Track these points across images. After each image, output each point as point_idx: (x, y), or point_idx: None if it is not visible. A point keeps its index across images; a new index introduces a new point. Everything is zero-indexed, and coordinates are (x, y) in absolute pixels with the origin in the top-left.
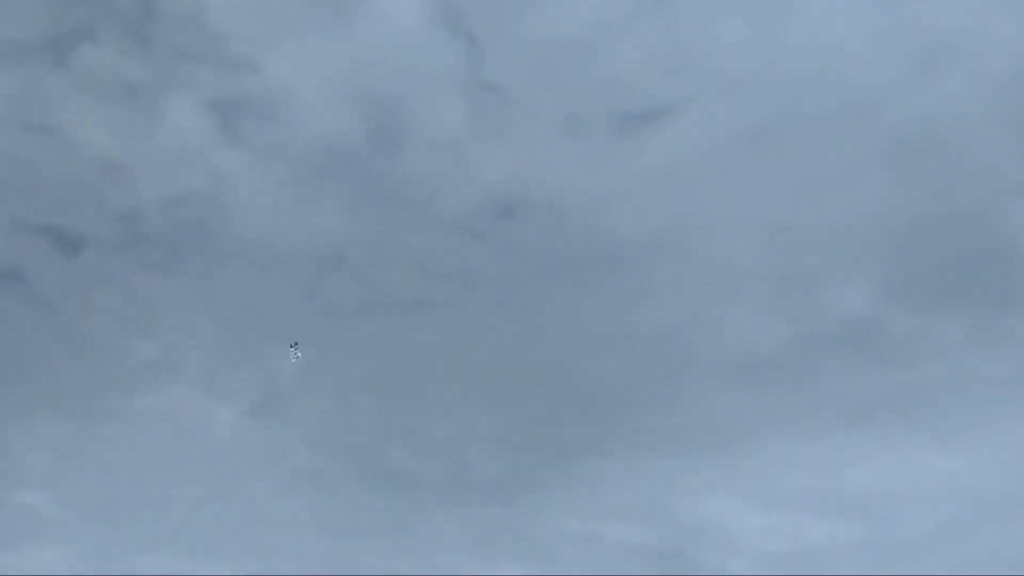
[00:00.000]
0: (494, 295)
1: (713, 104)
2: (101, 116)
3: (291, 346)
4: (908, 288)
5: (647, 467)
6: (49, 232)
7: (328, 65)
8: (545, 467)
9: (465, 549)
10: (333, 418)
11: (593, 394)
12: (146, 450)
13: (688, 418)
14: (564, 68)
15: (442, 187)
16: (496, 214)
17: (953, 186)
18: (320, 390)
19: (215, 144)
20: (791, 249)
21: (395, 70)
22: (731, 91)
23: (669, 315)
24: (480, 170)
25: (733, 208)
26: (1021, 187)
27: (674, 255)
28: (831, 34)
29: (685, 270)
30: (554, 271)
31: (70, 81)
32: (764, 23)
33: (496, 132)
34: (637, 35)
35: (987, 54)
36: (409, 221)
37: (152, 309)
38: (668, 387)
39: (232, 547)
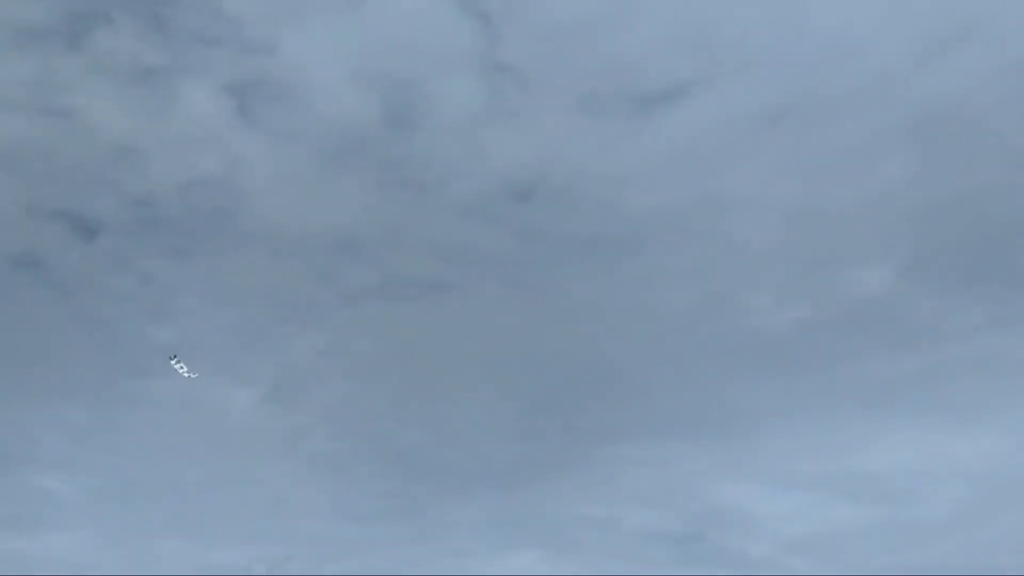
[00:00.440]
0: (510, 277)
1: (730, 84)
2: (117, 100)
3: (171, 358)
4: (927, 268)
5: (665, 451)
6: (65, 217)
7: (343, 47)
8: (562, 452)
9: (481, 533)
10: (350, 402)
11: (610, 377)
12: (163, 434)
13: (706, 401)
14: (580, 48)
15: (458, 169)
16: (512, 196)
17: (971, 165)
18: (337, 374)
19: (231, 128)
20: (809, 229)
21: (410, 52)
22: (748, 71)
23: (686, 297)
24: (496, 152)
25: (751, 188)
26: None
27: (691, 236)
28: (848, 14)
29: (702, 251)
30: (570, 253)
31: (86, 65)
32: (781, 3)
33: (512, 114)
34: (654, 15)
35: (1003, 33)
36: (425, 204)
37: (168, 294)
38: (686, 370)
39: (249, 530)
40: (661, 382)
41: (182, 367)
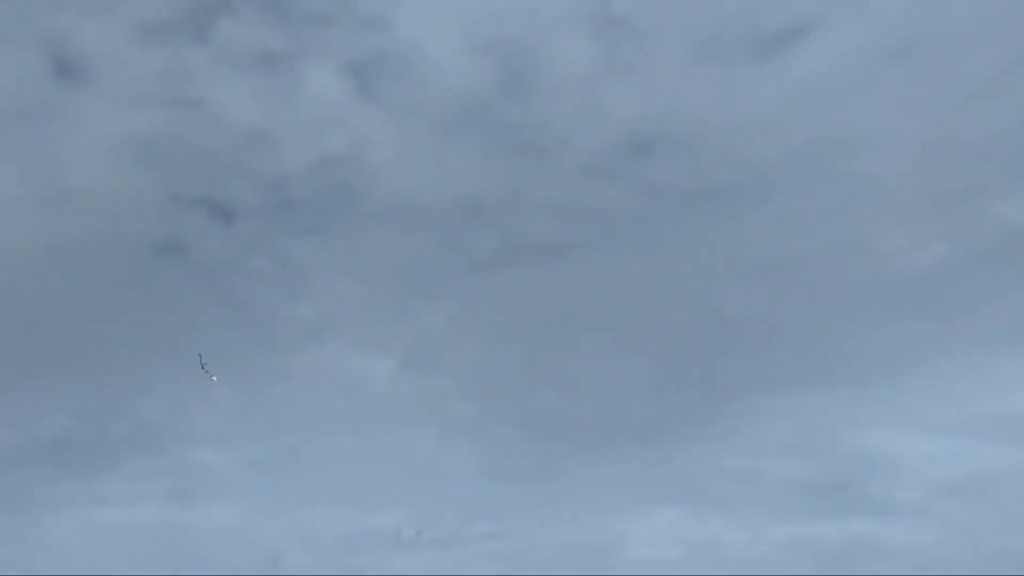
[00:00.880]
0: (635, 234)
1: (852, 20)
2: (243, 87)
3: (202, 366)
4: None
5: (804, 400)
6: (204, 204)
7: (455, 17)
8: (700, 405)
9: (623, 490)
10: (485, 367)
11: (744, 329)
12: (308, 406)
13: (844, 348)
14: None
15: (575, 129)
16: (632, 152)
17: None
18: (470, 340)
19: (352, 106)
20: (945, 163)
21: (521, 15)
22: (870, 5)
23: (819, 242)
24: (613, 108)
25: (880, 125)
26: None
27: (821, 178)
28: None
29: (832, 195)
30: (695, 206)
31: (211, 55)
32: None
33: (628, 68)
34: None
35: None
36: (544, 166)
37: (305, 272)
38: (823, 316)
39: (396, 494)
40: (797, 331)
41: (208, 373)
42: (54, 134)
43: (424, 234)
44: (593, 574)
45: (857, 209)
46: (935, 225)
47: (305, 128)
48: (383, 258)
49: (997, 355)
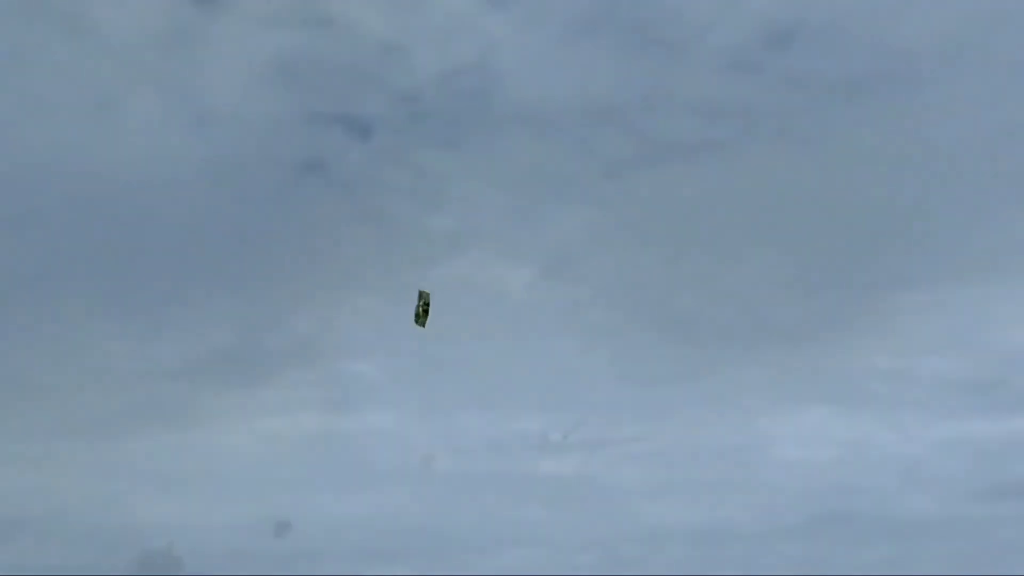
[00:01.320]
0: (776, 129)
1: None
2: (373, 1)
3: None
4: None
5: (957, 295)
6: (341, 121)
7: None
8: (846, 304)
9: (768, 391)
10: (624, 272)
11: (893, 223)
12: (451, 316)
13: (999, 240)
14: None
15: (709, 21)
16: (771, 43)
17: None
18: (609, 246)
19: (481, 13)
20: None
21: None
22: None
23: (973, 128)
24: None
25: None
26: None
27: (976, 62)
28: None
29: (990, 77)
30: (840, 97)
31: None
32: None
33: None
34: None
35: None
36: (678, 63)
37: (441, 183)
38: (975, 207)
39: (540, 399)
40: (949, 223)
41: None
42: (192, 59)
43: (558, 140)
44: (740, 474)
45: (1016, 91)
46: None
47: (435, 38)
48: (518, 166)
49: None
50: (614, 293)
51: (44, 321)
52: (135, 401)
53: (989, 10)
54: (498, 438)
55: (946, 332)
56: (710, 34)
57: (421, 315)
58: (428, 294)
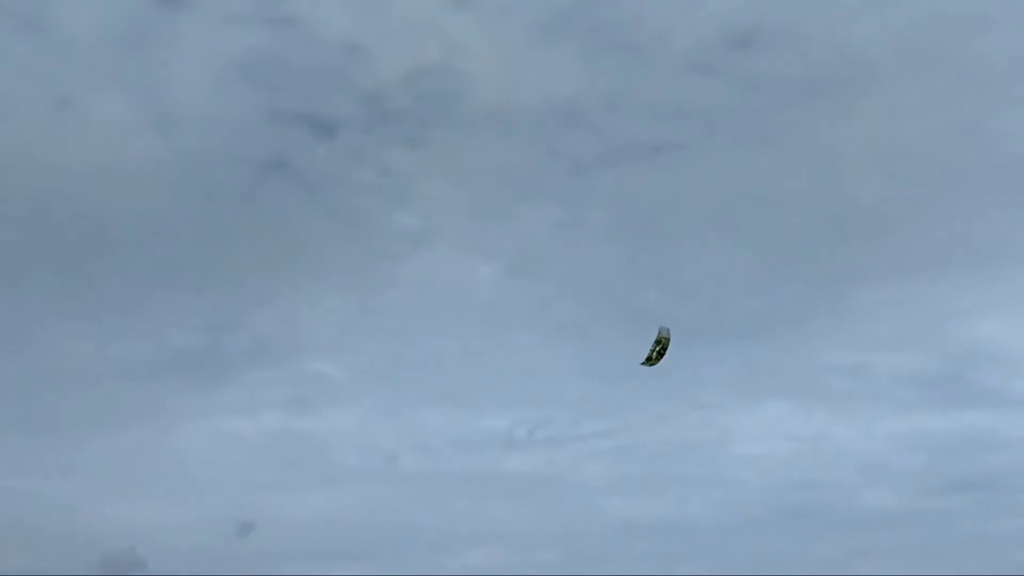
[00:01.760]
0: (737, 130)
1: None
2: (337, 1)
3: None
4: None
5: (913, 292)
6: (306, 120)
7: None
8: (805, 300)
9: (728, 386)
10: (588, 269)
11: (851, 221)
12: (416, 312)
13: (955, 236)
14: None
15: (671, 24)
16: (731, 45)
17: None
18: (573, 243)
19: (446, 13)
20: None
21: None
22: None
23: (930, 128)
24: (709, 0)
25: (993, 4)
26: None
27: (931, 63)
28: None
29: (945, 77)
30: (799, 98)
31: None
32: None
33: None
34: None
35: None
36: (641, 65)
37: (406, 182)
38: (931, 205)
39: (506, 396)
40: (906, 221)
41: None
42: (155, 58)
43: (523, 139)
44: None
45: (971, 92)
46: None
47: (399, 38)
48: (483, 164)
49: None
50: (579, 290)
51: (4, 320)
52: (97, 401)
53: (942, 14)
54: (463, 436)
55: (903, 328)
56: (671, 37)
57: (654, 358)
58: (667, 339)
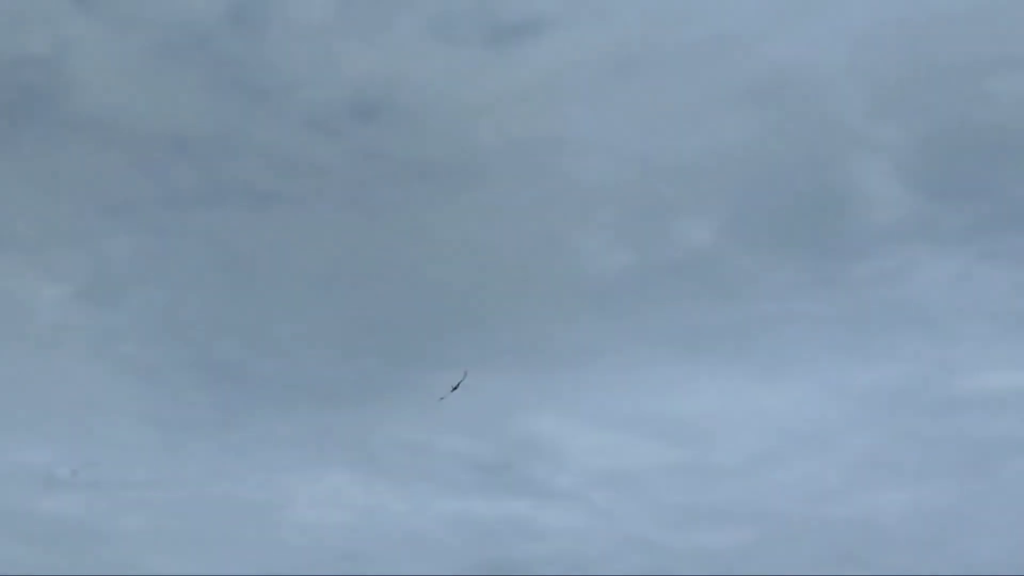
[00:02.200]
0: (347, 196)
1: (586, 26)
2: None
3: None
4: (748, 228)
5: (486, 381)
6: None
7: None
8: (384, 374)
9: (294, 449)
10: (168, 308)
11: (439, 305)
12: None
13: (531, 337)
14: None
15: (302, 78)
16: (357, 113)
17: (800, 136)
18: (155, 278)
19: (62, 5)
20: (645, 177)
21: None
22: (605, 15)
23: (523, 232)
24: (344, 65)
25: (593, 131)
26: (862, 142)
27: (534, 173)
28: None
29: (543, 189)
30: (411, 178)
31: None
32: None
33: (363, 27)
34: None
35: (851, 4)
36: (264, 110)
37: None
38: (514, 304)
39: (52, 431)
40: (489, 314)
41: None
42: None
43: (122, 157)
44: (253, 531)
45: (561, 208)
46: (627, 233)
47: (3, 21)
48: (73, 176)
49: (663, 360)
50: (154, 328)
51: None
52: None
53: (547, 130)
54: None
55: (470, 413)
56: (300, 90)
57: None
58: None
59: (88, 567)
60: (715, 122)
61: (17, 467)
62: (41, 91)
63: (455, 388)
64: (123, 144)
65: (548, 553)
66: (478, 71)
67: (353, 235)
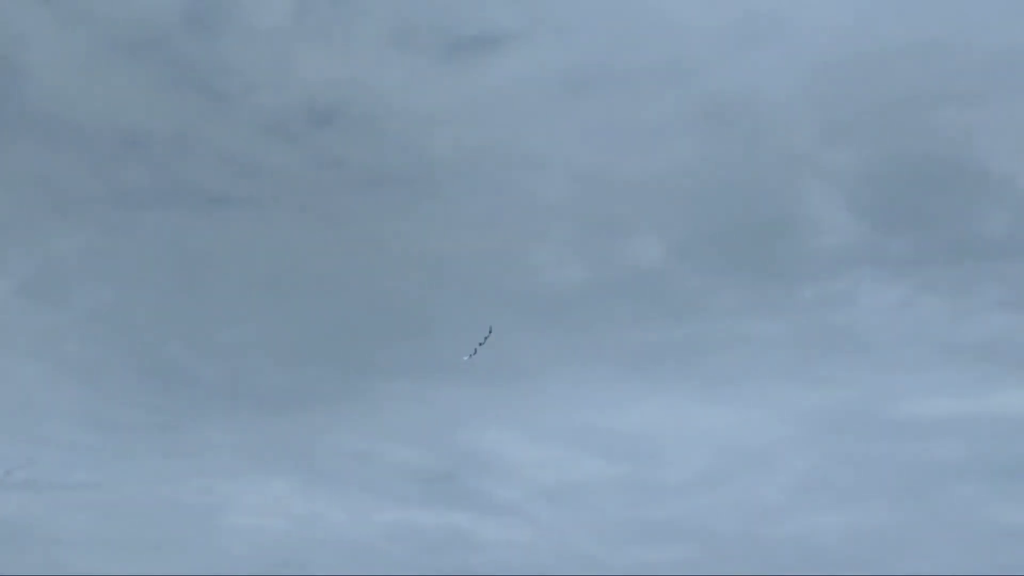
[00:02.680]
0: (300, 201)
1: (544, 42)
2: None
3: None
4: (696, 249)
5: (432, 392)
6: None
7: None
8: (330, 382)
9: (236, 455)
10: (114, 307)
11: (389, 314)
12: None
13: (482, 348)
14: None
15: (258, 82)
16: (312, 119)
17: (752, 157)
18: (103, 277)
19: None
20: (597, 195)
21: None
22: (564, 32)
23: (475, 244)
24: (301, 70)
25: (547, 147)
26: (811, 169)
27: (488, 186)
28: None
29: (497, 202)
30: (365, 185)
31: None
32: None
33: (322, 33)
34: None
35: (804, 36)
36: (219, 113)
37: None
38: (465, 316)
39: None
40: (439, 325)
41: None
42: None
43: (71, 153)
44: (190, 536)
45: (512, 221)
46: (577, 249)
47: None
48: (22, 170)
49: (610, 376)
50: (99, 327)
51: None
52: None
53: (505, 144)
54: None
55: (415, 423)
56: (257, 94)
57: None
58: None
59: (24, 567)
60: (669, 143)
61: None
62: None
63: (481, 344)
64: (75, 141)
65: (489, 566)
66: (436, 82)
67: (305, 241)
